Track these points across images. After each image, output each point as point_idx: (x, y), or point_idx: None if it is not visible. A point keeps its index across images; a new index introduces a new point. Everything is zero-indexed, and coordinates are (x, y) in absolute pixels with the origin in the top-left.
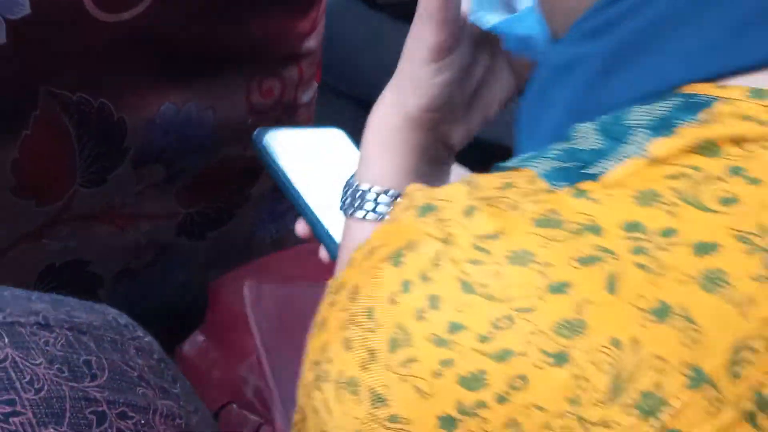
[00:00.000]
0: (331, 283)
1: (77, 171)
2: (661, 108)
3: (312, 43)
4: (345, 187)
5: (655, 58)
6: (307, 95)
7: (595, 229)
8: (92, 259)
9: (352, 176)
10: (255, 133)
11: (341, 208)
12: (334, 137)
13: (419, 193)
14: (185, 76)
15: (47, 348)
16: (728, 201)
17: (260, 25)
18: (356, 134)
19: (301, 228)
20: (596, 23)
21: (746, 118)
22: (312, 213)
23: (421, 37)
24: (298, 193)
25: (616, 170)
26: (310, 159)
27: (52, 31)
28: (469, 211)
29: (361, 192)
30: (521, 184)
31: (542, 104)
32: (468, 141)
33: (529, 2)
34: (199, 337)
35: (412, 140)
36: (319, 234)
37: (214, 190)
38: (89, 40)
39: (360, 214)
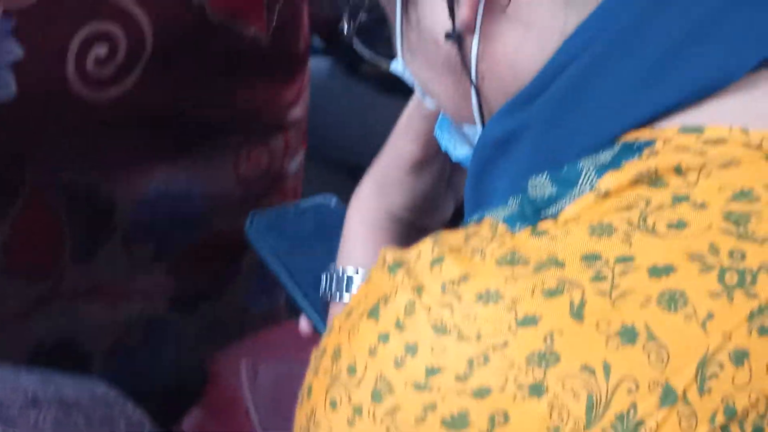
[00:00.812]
0: (314, 352)
1: (66, 249)
2: (605, 154)
3: (298, 112)
4: (327, 274)
5: (590, 111)
6: (295, 163)
7: (557, 263)
8: (83, 338)
9: (333, 264)
10: (246, 222)
11: (323, 295)
12: (326, 207)
13: (390, 253)
14: (173, 150)
15: (36, 426)
16: (678, 225)
17: (246, 97)
18: (344, 200)
19: (304, 325)
20: (528, 90)
21: (684, 149)
22: (307, 307)
23: (403, 151)
24: (294, 287)
25: (570, 208)
26: (302, 242)
27: (39, 112)
28: (436, 261)
29: (346, 277)
30: (483, 233)
31: (490, 178)
32: (443, 223)
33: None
34: (197, 414)
35: (393, 231)
36: (315, 325)
37: (205, 264)
38: (76, 119)
39: (346, 298)
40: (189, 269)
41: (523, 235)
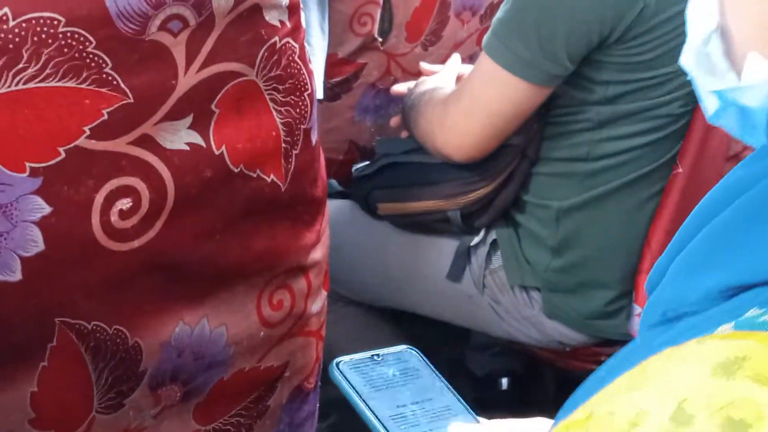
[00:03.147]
0: None
1: (94, 398)
2: None
3: (318, 254)
4: None
5: None
6: (317, 305)
7: None
8: None
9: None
10: (330, 366)
11: None
12: (407, 354)
13: None
14: (196, 295)
15: None
16: None
17: (266, 240)
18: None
19: None
20: None
21: None
22: None
23: None
24: (378, 425)
25: None
26: (386, 387)
27: (66, 265)
28: None
29: None
30: None
31: None
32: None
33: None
34: None
35: None
36: None
37: (231, 405)
38: (102, 270)
39: None
40: (216, 411)
41: None
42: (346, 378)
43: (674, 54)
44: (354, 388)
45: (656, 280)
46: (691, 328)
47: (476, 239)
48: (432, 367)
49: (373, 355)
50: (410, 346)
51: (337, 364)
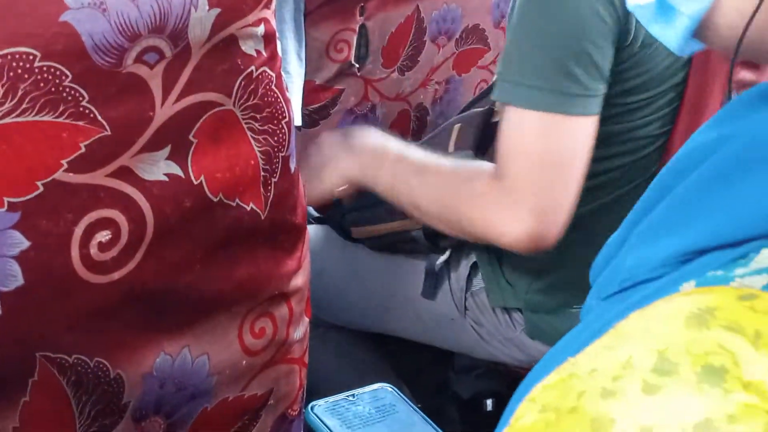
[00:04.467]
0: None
1: None
2: None
3: (299, 280)
4: None
5: None
6: (299, 332)
7: None
8: None
9: None
10: (305, 410)
11: None
12: (382, 392)
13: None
14: (178, 325)
15: None
16: None
17: (247, 268)
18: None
19: None
20: None
21: None
22: None
23: None
24: None
25: None
26: (362, 426)
27: (46, 299)
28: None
29: None
30: None
31: (757, 176)
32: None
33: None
34: None
35: None
36: None
37: None
38: (82, 303)
39: None
40: None
41: None
42: (322, 421)
43: (659, 78)
44: (330, 430)
45: (603, 263)
46: (656, 291)
47: (442, 258)
48: (409, 402)
49: (348, 396)
50: (385, 384)
51: (312, 408)
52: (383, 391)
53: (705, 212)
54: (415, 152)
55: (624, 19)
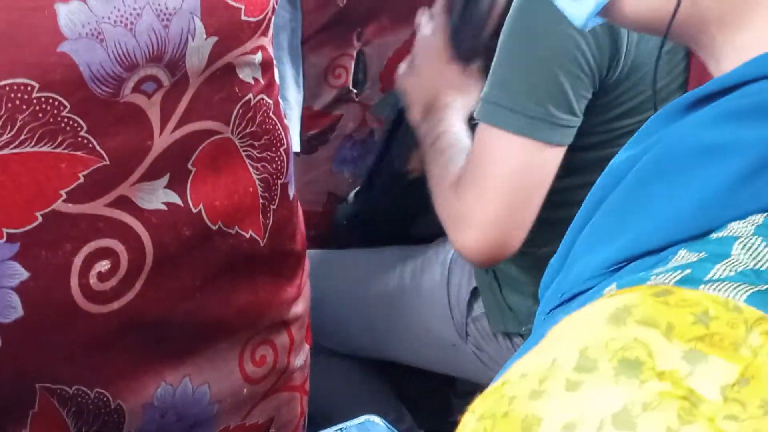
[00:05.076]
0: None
1: None
2: None
3: (299, 308)
4: None
5: None
6: (300, 359)
7: None
8: None
9: None
10: None
11: None
12: (371, 424)
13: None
14: (178, 354)
15: None
16: None
17: (247, 296)
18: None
19: None
20: (741, 105)
21: None
22: None
23: None
24: None
25: None
26: None
27: (45, 329)
28: (695, 358)
29: None
30: (721, 314)
31: (671, 183)
32: None
33: None
34: None
35: None
36: None
37: None
38: (82, 333)
39: None
40: None
41: None
42: None
43: (648, 101)
44: None
45: (549, 281)
46: (587, 299)
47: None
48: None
49: (337, 430)
50: (372, 415)
51: None
52: (371, 423)
53: (629, 222)
54: (451, 138)
55: (611, 48)
